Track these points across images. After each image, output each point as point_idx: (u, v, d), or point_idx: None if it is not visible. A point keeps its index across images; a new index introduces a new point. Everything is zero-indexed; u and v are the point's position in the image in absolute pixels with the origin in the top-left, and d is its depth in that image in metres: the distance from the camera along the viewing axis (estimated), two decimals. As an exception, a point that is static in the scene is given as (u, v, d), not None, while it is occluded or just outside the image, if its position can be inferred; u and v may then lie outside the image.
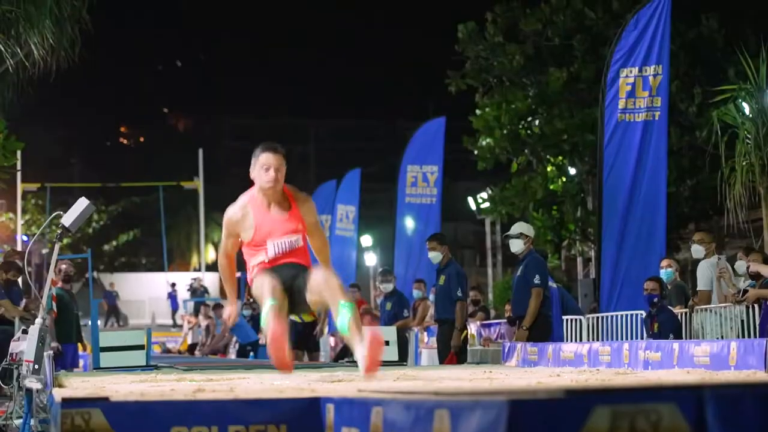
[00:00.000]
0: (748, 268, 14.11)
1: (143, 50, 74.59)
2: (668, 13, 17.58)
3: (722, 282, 14.55)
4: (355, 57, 73.33)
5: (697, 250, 15.29)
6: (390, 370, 9.21)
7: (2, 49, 17.97)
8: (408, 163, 26.77)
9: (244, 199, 8.38)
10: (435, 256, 15.23)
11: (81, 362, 18.67)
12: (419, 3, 75.95)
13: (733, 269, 14.75)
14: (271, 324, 7.66)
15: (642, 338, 14.63)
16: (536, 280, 14.16)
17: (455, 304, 14.84)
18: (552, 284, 15.31)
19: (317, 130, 76.88)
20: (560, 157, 30.46)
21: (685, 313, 14.84)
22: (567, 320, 16.94)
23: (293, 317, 8.69)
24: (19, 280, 16.27)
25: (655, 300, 14.36)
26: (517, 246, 14.55)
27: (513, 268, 16.44)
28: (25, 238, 41.66)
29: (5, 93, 19.31)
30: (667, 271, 15.45)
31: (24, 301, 15.80)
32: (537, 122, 30.33)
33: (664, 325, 14.19)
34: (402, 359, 14.49)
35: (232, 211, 8.33)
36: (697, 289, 15.11)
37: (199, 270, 55.81)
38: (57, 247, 9.64)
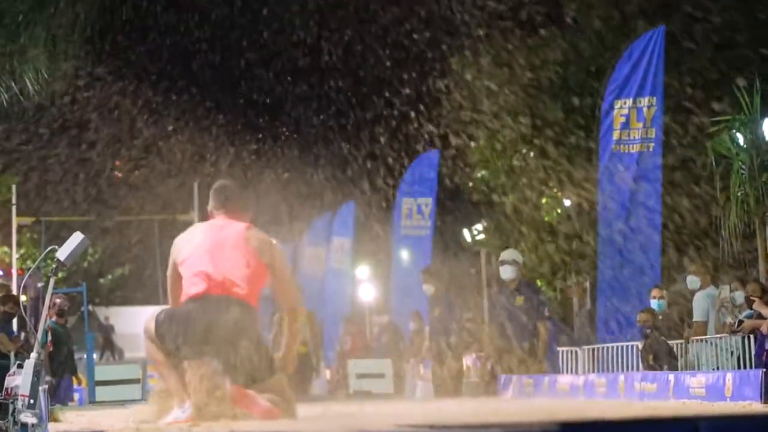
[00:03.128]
0: (746, 297, 14.05)
1: (138, 81, 74.62)
2: (662, 45, 17.62)
3: (722, 312, 14.49)
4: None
5: (692, 281, 15.26)
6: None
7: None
8: (403, 195, 26.75)
9: None
10: (429, 288, 15.24)
11: (76, 396, 18.54)
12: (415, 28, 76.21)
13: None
14: None
15: (638, 369, 14.60)
16: (546, 312, 14.25)
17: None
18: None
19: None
20: (555, 189, 30.40)
21: (681, 344, 14.79)
22: (563, 352, 16.88)
23: None
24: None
25: (648, 332, 14.34)
26: (509, 272, 14.56)
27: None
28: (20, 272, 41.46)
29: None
30: (659, 302, 15.41)
31: (24, 334, 15.72)
32: (531, 153, 30.29)
33: (659, 357, 14.16)
34: (397, 392, 14.48)
35: None
36: (693, 320, 15.05)
37: (195, 303, 55.51)
38: (52, 281, 9.59)
